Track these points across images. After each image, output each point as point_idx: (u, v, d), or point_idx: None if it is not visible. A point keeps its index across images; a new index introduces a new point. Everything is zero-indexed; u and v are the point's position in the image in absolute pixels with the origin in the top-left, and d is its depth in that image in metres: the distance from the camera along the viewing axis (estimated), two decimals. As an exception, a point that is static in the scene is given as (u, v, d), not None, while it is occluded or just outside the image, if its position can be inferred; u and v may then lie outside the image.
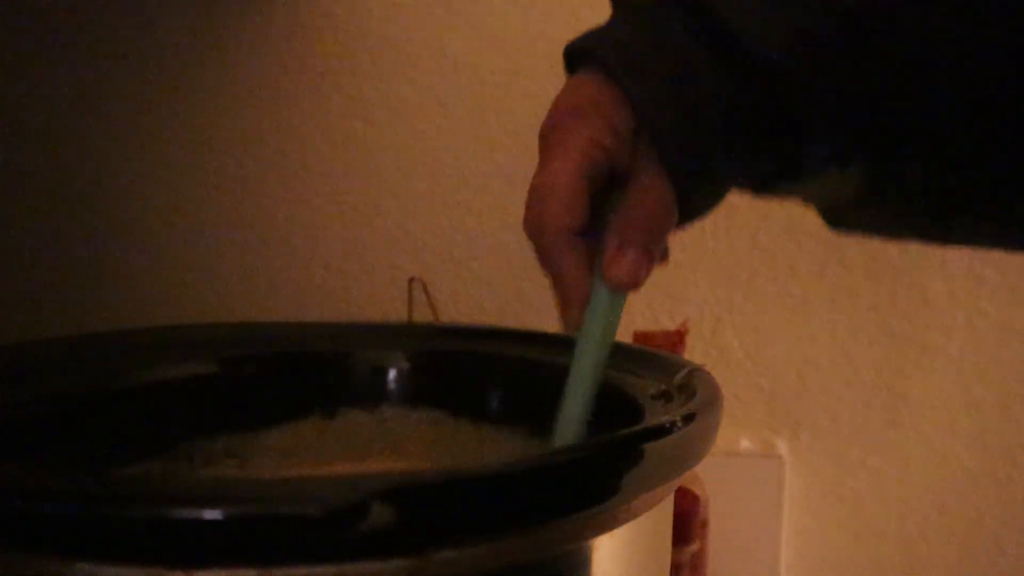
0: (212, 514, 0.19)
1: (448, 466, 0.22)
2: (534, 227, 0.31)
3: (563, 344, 0.45)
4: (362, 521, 0.20)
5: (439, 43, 0.61)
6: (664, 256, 0.33)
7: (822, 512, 0.61)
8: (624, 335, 0.61)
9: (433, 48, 0.61)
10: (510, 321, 0.62)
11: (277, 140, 0.63)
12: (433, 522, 0.21)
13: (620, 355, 0.42)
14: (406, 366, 0.47)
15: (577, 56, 0.31)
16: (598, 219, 0.31)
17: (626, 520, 0.27)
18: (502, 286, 0.62)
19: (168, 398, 0.42)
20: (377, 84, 0.62)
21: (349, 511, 0.20)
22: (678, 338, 0.53)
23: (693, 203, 0.31)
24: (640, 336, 0.54)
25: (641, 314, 0.61)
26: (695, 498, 0.51)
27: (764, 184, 0.32)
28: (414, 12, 0.61)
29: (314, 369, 0.46)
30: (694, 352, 0.61)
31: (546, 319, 0.62)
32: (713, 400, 0.32)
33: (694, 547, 0.52)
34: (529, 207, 0.31)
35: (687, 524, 0.51)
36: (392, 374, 0.46)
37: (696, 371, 0.36)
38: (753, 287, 0.60)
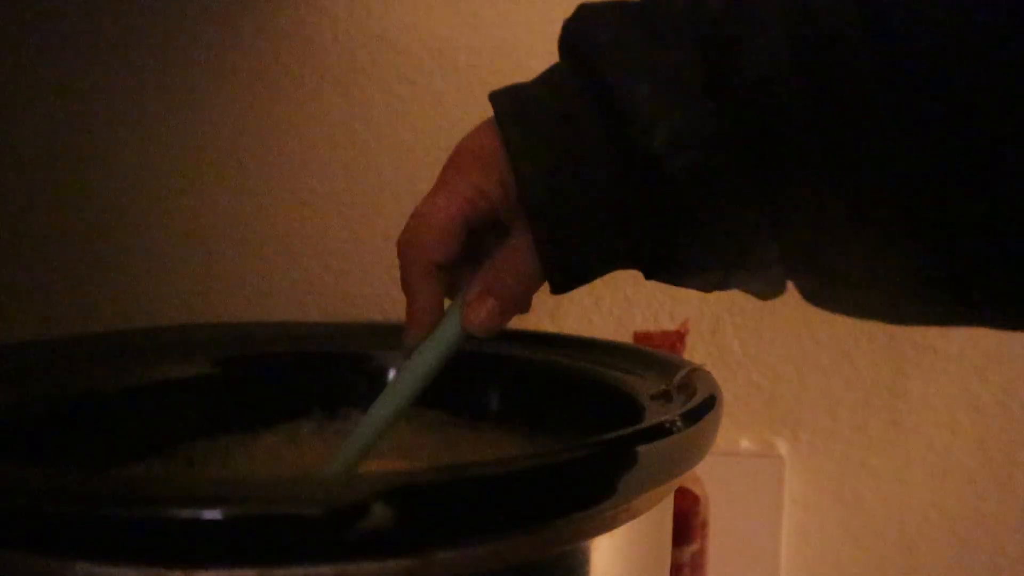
0: (212, 514, 0.19)
1: (448, 466, 0.22)
2: (404, 250, 0.32)
3: (563, 344, 0.45)
4: (362, 521, 0.20)
5: (439, 43, 0.61)
6: (524, 308, 0.34)
7: (822, 512, 0.61)
8: (624, 335, 0.61)
9: (433, 48, 0.61)
10: (510, 321, 0.62)
11: (277, 140, 0.63)
12: (433, 522, 0.21)
13: (620, 355, 0.42)
14: (406, 366, 0.47)
15: (493, 105, 0.32)
16: (472, 253, 0.33)
17: (626, 520, 0.27)
18: (502, 286, 0.62)
19: (168, 398, 0.42)
20: (377, 84, 0.62)
21: (349, 511, 0.20)
22: (678, 338, 0.53)
23: (562, 277, 0.31)
24: (640, 336, 0.54)
25: (641, 314, 0.61)
26: (695, 498, 0.51)
27: (648, 273, 0.31)
28: (414, 12, 0.61)
29: (314, 369, 0.46)
30: (694, 352, 0.61)
31: (546, 319, 0.62)
32: (713, 400, 0.32)
33: (694, 547, 0.52)
34: (406, 230, 0.32)
35: (687, 524, 0.51)
36: (392, 374, 0.46)
37: (696, 371, 0.36)
38: (753, 287, 0.60)
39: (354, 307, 0.63)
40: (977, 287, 0.25)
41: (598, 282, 0.33)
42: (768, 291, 0.32)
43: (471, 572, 0.23)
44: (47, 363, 0.40)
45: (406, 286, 0.33)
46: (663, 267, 0.31)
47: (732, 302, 0.61)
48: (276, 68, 0.62)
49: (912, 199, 0.25)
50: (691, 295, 0.61)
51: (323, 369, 0.46)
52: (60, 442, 0.37)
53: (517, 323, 0.62)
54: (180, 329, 0.49)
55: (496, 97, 0.31)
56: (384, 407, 0.34)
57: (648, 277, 0.32)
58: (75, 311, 0.64)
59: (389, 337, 0.49)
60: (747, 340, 0.61)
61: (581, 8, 0.30)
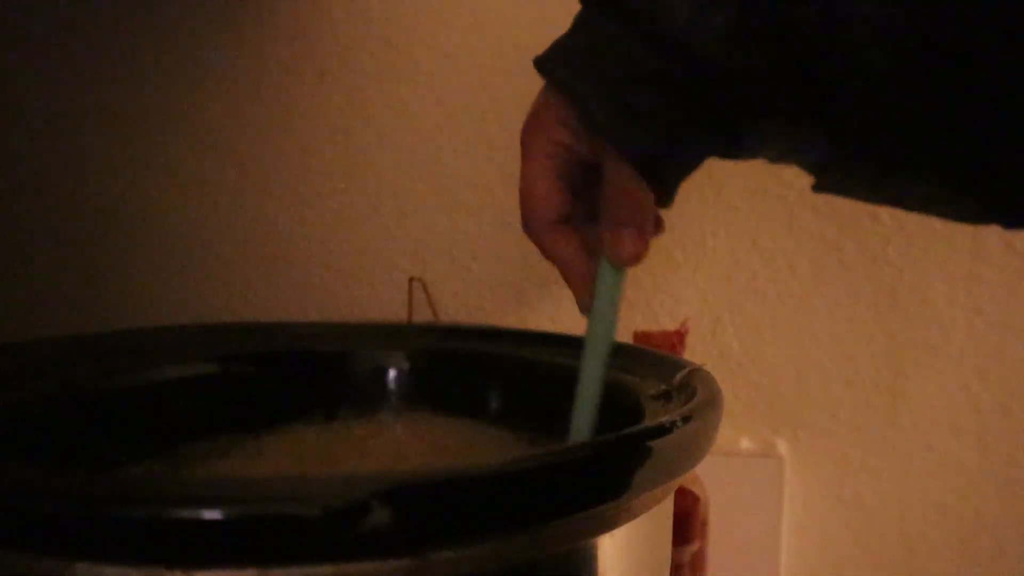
0: (212, 514, 0.19)
1: (447, 466, 0.22)
2: (525, 226, 0.35)
3: (563, 344, 0.45)
4: (362, 521, 0.20)
5: (439, 43, 0.61)
6: (659, 226, 0.35)
7: (822, 512, 0.61)
8: (624, 335, 0.61)
9: (433, 48, 0.61)
10: (510, 321, 0.62)
11: (277, 140, 0.63)
12: (433, 522, 0.21)
13: (620, 355, 0.42)
14: (406, 366, 0.47)
15: (538, 67, 0.33)
16: (593, 206, 0.34)
17: (626, 520, 0.27)
18: (502, 286, 0.62)
19: (168, 398, 0.42)
20: (377, 84, 0.62)
21: (349, 511, 0.20)
22: (678, 338, 0.53)
23: (662, 178, 0.32)
24: (640, 336, 0.54)
25: (641, 314, 0.61)
26: (695, 498, 0.51)
27: (726, 154, 0.33)
28: (414, 12, 0.61)
29: (314, 369, 0.46)
30: (694, 352, 0.61)
31: (546, 319, 0.62)
32: (713, 400, 0.32)
33: (694, 547, 0.52)
34: (521, 211, 0.35)
35: (687, 524, 0.51)
36: (392, 374, 0.46)
37: (696, 371, 0.36)
38: (753, 287, 0.60)
39: (354, 307, 0.63)
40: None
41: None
42: (820, 163, 0.33)
43: (470, 572, 0.23)
44: (47, 363, 0.40)
45: (547, 254, 0.35)
46: (733, 152, 0.33)
47: (732, 302, 0.61)
48: (276, 68, 0.62)
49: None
50: (691, 295, 0.61)
51: (323, 369, 0.46)
52: (60, 442, 0.37)
53: (517, 323, 0.61)
54: (180, 329, 0.49)
55: (538, 58, 0.33)
56: (589, 373, 0.35)
57: (724, 157, 0.33)
58: (75, 311, 0.64)
59: (389, 337, 0.49)
60: (747, 340, 0.61)
61: None
